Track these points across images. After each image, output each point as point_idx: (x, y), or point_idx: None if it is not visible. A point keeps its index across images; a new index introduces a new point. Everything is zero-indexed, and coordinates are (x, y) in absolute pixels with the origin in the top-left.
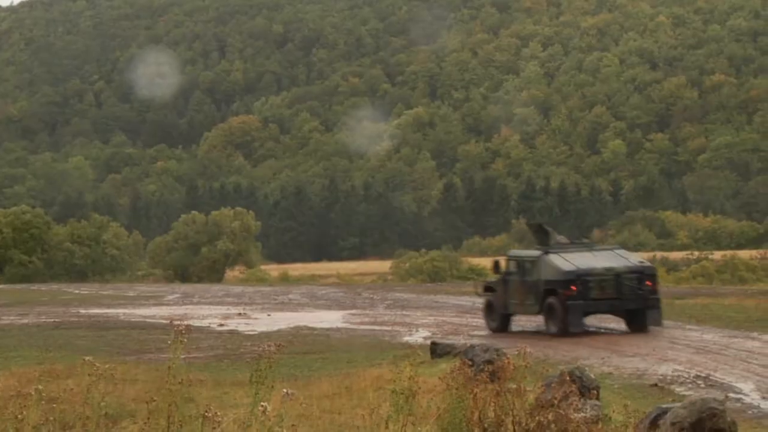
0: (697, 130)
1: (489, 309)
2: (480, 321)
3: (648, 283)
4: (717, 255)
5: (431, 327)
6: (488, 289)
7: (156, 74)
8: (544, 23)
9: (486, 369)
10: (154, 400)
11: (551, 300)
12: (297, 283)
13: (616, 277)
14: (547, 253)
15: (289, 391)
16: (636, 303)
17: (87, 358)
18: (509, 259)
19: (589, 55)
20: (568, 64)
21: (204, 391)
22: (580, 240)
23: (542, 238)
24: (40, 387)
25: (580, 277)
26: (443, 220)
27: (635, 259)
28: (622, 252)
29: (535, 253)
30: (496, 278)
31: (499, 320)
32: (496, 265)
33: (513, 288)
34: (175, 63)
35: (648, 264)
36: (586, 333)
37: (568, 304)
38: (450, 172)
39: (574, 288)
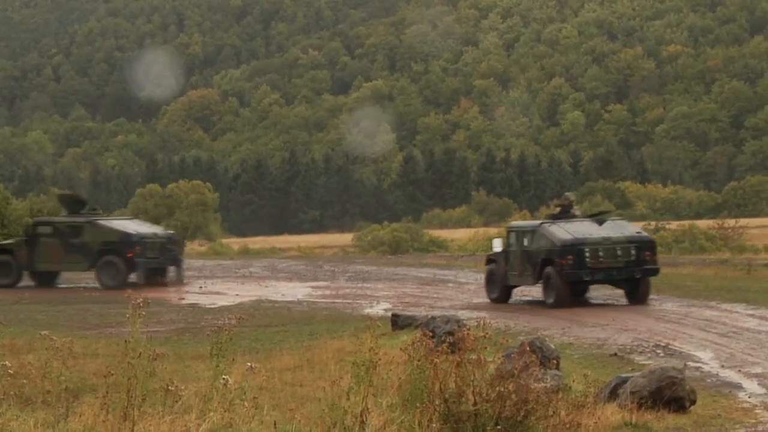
0: (655, 101)
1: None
2: (443, 292)
3: (176, 246)
4: (674, 224)
5: (392, 299)
6: (5, 249)
7: (115, 47)
8: None
9: (447, 340)
10: (113, 374)
11: (110, 257)
12: (258, 256)
13: (163, 241)
14: (97, 221)
15: (253, 365)
16: (171, 262)
17: (45, 332)
18: (38, 224)
19: (547, 27)
20: (527, 35)
21: (165, 365)
22: (95, 210)
23: (76, 207)
24: (6, 363)
25: (143, 240)
26: (403, 192)
27: (160, 228)
28: (144, 221)
29: (81, 219)
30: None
31: (38, 278)
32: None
33: (52, 248)
34: (134, 36)
35: (175, 232)
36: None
37: (137, 261)
38: (410, 145)
39: (138, 248)
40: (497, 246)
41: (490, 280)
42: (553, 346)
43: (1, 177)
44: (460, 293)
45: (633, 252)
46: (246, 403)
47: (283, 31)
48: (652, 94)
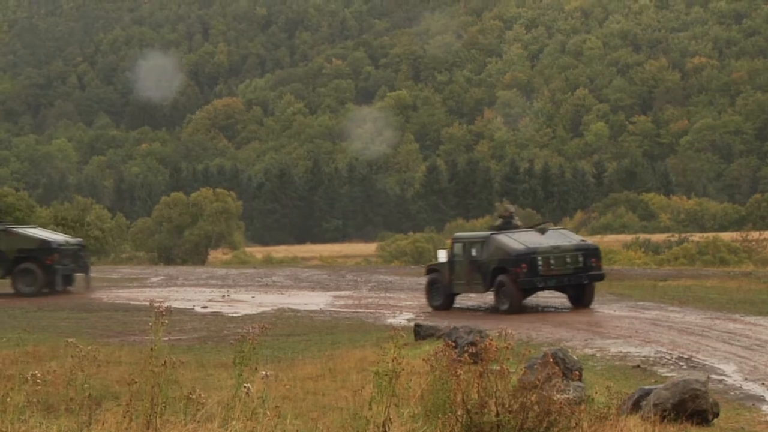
0: (680, 113)
1: None
2: (465, 303)
3: (83, 255)
4: (697, 236)
5: (415, 309)
6: None
7: (139, 56)
8: (527, 6)
9: (469, 350)
10: (136, 382)
11: (27, 265)
12: (280, 265)
13: (76, 248)
14: (12, 228)
15: (268, 373)
16: (82, 269)
17: (70, 339)
18: None
19: (572, 38)
20: (551, 46)
21: (188, 373)
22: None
23: None
24: (36, 372)
25: (60, 247)
26: (426, 202)
27: (68, 236)
28: (49, 230)
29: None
30: None
31: None
32: None
33: None
34: (159, 45)
35: (83, 240)
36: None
37: (55, 268)
38: (433, 155)
39: (56, 255)
40: (442, 257)
41: (432, 289)
42: (575, 358)
43: (25, 185)
44: (482, 303)
45: (581, 259)
46: (268, 412)
47: (307, 40)
48: (676, 105)
